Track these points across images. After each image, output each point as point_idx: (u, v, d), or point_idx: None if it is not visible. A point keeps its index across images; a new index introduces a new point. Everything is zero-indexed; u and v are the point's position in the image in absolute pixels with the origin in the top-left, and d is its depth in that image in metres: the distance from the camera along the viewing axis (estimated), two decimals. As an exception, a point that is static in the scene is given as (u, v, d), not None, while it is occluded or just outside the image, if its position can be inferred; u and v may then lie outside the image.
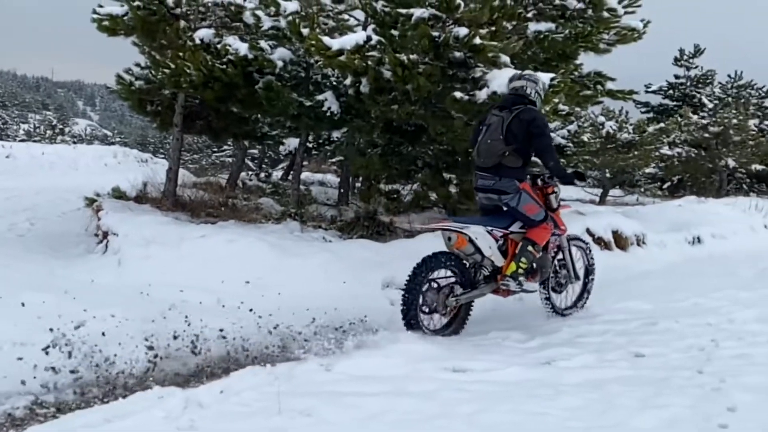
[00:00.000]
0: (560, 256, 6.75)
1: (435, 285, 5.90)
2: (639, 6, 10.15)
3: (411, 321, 5.68)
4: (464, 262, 6.03)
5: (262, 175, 20.45)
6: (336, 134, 13.92)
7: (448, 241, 5.98)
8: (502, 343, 5.69)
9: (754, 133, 21.46)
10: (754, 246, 10.84)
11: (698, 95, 26.12)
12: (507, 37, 9.06)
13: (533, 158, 6.44)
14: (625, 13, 10.10)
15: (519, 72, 6.80)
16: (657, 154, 20.25)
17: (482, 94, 8.31)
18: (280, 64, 9.52)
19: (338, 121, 9.69)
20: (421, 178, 10.73)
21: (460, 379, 4.61)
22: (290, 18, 9.47)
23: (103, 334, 5.18)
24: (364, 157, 10.93)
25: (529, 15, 9.90)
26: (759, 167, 22.07)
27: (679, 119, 21.66)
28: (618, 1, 10.06)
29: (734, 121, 20.73)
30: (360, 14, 11.99)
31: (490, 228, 6.05)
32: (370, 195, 10.82)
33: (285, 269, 7.29)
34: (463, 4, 8.38)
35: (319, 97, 9.52)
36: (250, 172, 20.74)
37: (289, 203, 11.56)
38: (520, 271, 6.08)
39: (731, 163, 21.42)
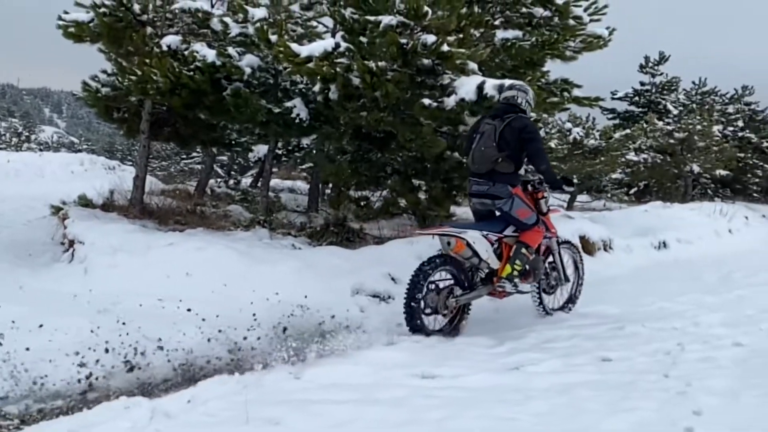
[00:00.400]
0: (551, 259, 6.99)
1: (435, 287, 6.12)
2: (604, 14, 10.28)
3: (414, 322, 5.93)
4: (462, 264, 6.25)
5: (231, 182, 20.33)
6: (305, 141, 13.88)
7: (447, 246, 6.19)
8: (470, 349, 5.70)
9: (718, 138, 21.78)
10: (719, 250, 11.02)
11: (663, 102, 26.45)
12: (475, 44, 9.12)
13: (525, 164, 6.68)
14: (591, 20, 10.22)
15: (511, 82, 7.10)
16: (623, 159, 20.46)
17: (450, 101, 8.34)
18: (248, 70, 9.47)
19: (307, 128, 9.67)
20: (390, 184, 10.74)
21: (429, 385, 4.62)
22: (258, 25, 9.44)
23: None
24: (334, 163, 10.91)
25: (497, 23, 9.99)
26: (723, 172, 22.41)
27: (645, 125, 21.92)
28: (584, 9, 10.18)
29: (698, 127, 21.03)
30: (329, 21, 11.99)
31: (485, 232, 6.30)
32: (340, 202, 10.80)
33: (253, 277, 7.23)
34: (430, 12, 8.41)
35: (288, 104, 9.48)
36: (218, 179, 20.60)
37: (258, 210, 11.50)
38: (515, 273, 6.32)
39: (696, 168, 21.71)
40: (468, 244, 6.14)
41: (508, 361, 5.25)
